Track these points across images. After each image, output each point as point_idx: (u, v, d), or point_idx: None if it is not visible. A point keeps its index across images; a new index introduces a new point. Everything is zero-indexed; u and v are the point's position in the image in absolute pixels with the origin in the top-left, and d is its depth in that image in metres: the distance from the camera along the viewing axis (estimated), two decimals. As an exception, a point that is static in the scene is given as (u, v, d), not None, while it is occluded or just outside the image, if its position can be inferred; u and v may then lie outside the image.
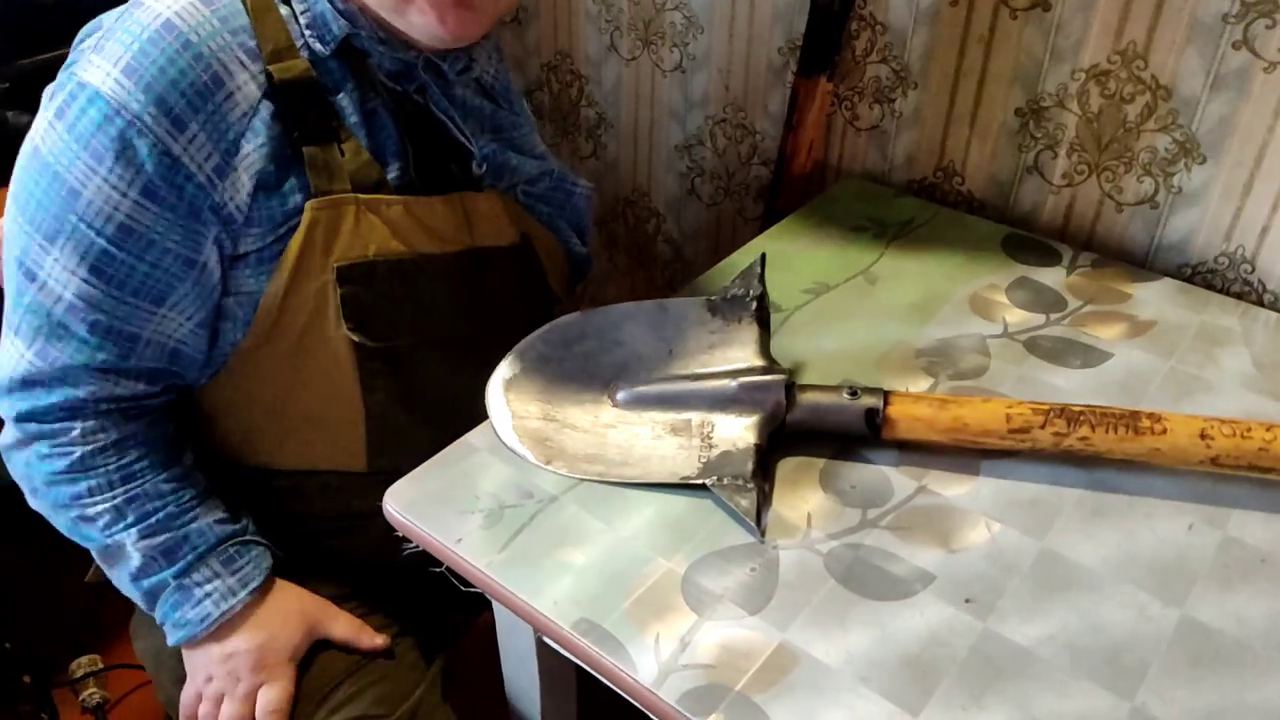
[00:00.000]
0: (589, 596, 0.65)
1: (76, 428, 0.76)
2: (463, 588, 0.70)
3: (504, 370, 0.82)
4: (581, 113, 1.48)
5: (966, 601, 0.65)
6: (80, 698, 1.32)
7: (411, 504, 0.72)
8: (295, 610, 0.84)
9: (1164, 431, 0.70)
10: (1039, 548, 0.69)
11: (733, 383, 0.77)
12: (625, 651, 0.62)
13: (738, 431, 0.75)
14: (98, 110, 0.69)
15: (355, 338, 0.78)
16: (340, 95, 0.77)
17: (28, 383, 0.75)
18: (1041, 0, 0.97)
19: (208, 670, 0.82)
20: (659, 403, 0.78)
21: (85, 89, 0.69)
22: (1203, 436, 0.70)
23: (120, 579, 0.81)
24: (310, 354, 0.79)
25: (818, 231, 1.06)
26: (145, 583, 0.80)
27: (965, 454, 0.75)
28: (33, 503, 0.80)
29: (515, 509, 0.72)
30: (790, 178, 1.20)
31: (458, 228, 0.83)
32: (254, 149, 0.73)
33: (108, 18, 0.74)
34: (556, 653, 0.68)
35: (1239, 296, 0.97)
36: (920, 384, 0.83)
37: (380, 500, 0.73)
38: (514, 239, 0.88)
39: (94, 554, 0.82)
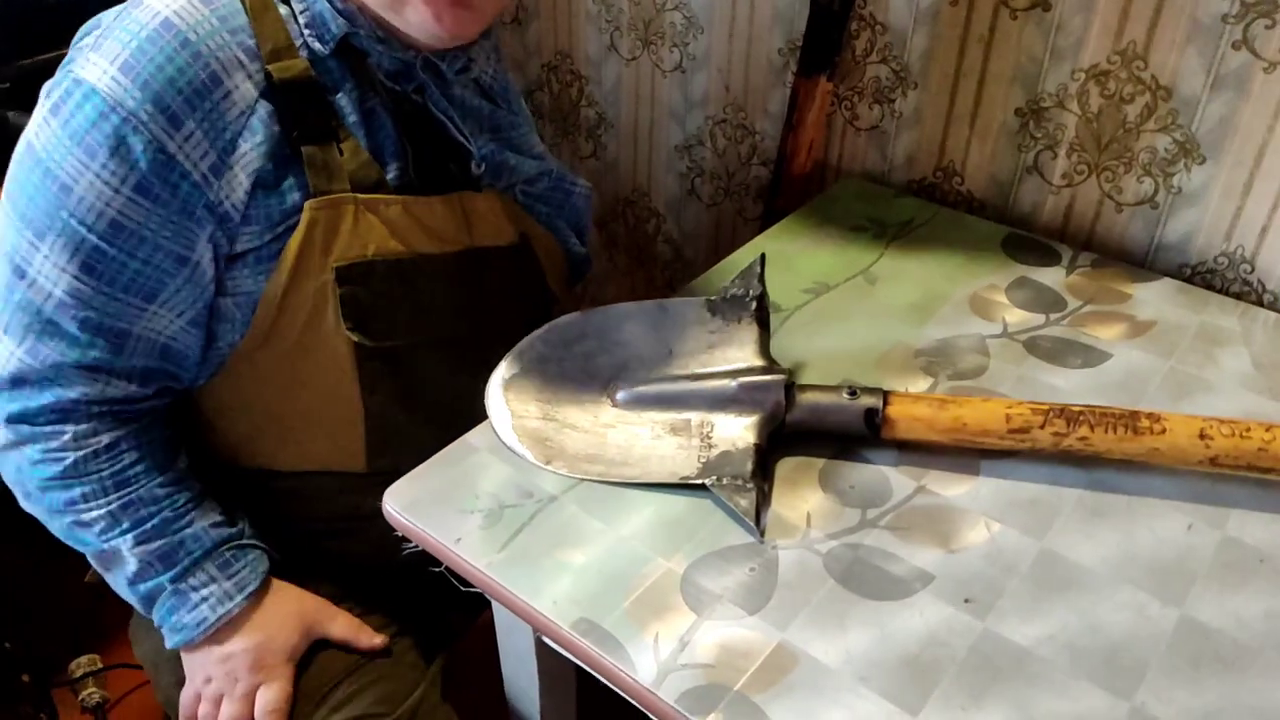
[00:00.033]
0: (588, 596, 0.65)
1: (69, 431, 0.76)
2: (462, 588, 0.70)
3: (503, 370, 0.82)
4: (581, 113, 1.48)
5: (966, 601, 0.65)
6: (80, 697, 1.32)
7: (411, 504, 0.72)
8: (293, 611, 0.83)
9: (1163, 431, 0.70)
10: (1038, 548, 0.69)
11: (732, 383, 0.77)
12: (624, 651, 0.62)
13: (737, 431, 0.75)
14: (93, 107, 0.69)
15: (354, 338, 0.78)
16: (339, 95, 0.77)
17: (17, 381, 0.75)
18: (1041, 0, 0.97)
19: (206, 671, 0.82)
20: (659, 403, 0.78)
21: (81, 85, 0.69)
22: (1202, 436, 0.70)
23: (117, 583, 0.81)
24: (309, 354, 0.79)
25: (817, 231, 1.06)
26: (142, 587, 0.79)
27: (965, 454, 0.75)
28: (26, 506, 0.80)
29: (515, 509, 0.72)
30: (790, 178, 1.20)
31: (457, 228, 0.83)
32: (252, 148, 0.73)
33: (107, 16, 0.74)
34: (556, 652, 0.68)
35: (1239, 296, 0.97)
36: (920, 384, 0.83)
37: (380, 500, 0.73)
38: (513, 239, 0.88)
39: (90, 558, 0.81)
